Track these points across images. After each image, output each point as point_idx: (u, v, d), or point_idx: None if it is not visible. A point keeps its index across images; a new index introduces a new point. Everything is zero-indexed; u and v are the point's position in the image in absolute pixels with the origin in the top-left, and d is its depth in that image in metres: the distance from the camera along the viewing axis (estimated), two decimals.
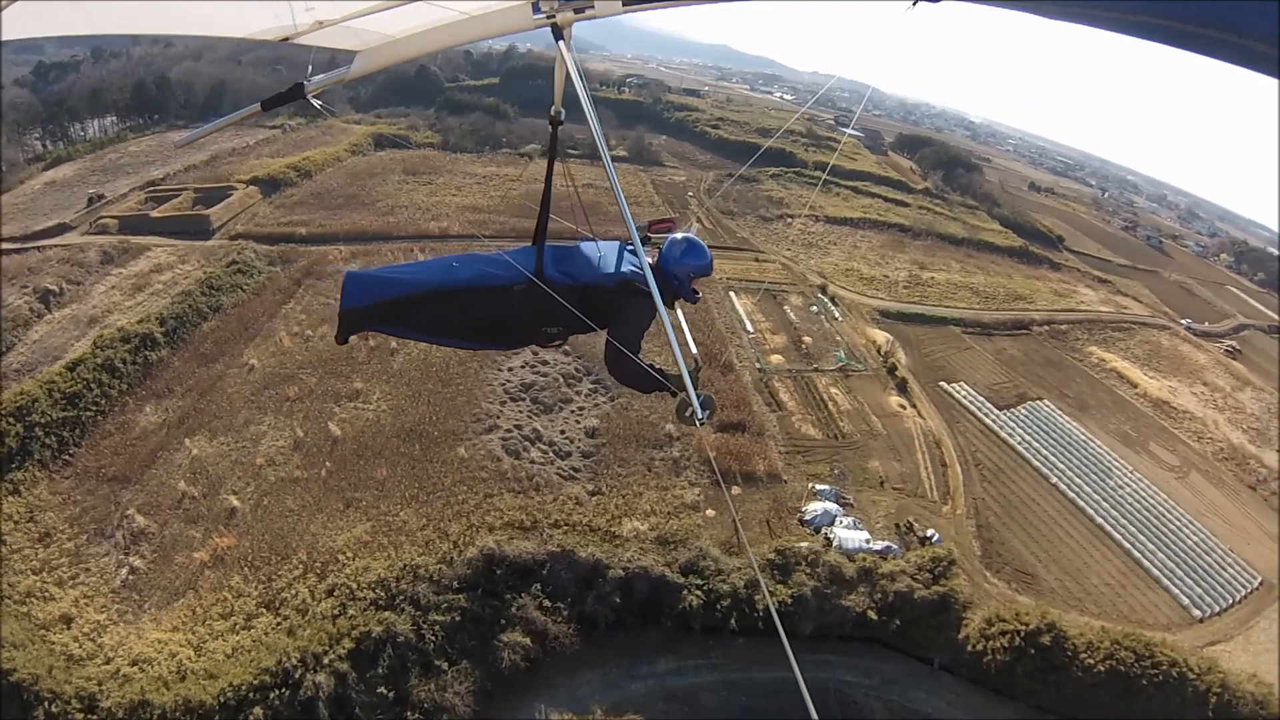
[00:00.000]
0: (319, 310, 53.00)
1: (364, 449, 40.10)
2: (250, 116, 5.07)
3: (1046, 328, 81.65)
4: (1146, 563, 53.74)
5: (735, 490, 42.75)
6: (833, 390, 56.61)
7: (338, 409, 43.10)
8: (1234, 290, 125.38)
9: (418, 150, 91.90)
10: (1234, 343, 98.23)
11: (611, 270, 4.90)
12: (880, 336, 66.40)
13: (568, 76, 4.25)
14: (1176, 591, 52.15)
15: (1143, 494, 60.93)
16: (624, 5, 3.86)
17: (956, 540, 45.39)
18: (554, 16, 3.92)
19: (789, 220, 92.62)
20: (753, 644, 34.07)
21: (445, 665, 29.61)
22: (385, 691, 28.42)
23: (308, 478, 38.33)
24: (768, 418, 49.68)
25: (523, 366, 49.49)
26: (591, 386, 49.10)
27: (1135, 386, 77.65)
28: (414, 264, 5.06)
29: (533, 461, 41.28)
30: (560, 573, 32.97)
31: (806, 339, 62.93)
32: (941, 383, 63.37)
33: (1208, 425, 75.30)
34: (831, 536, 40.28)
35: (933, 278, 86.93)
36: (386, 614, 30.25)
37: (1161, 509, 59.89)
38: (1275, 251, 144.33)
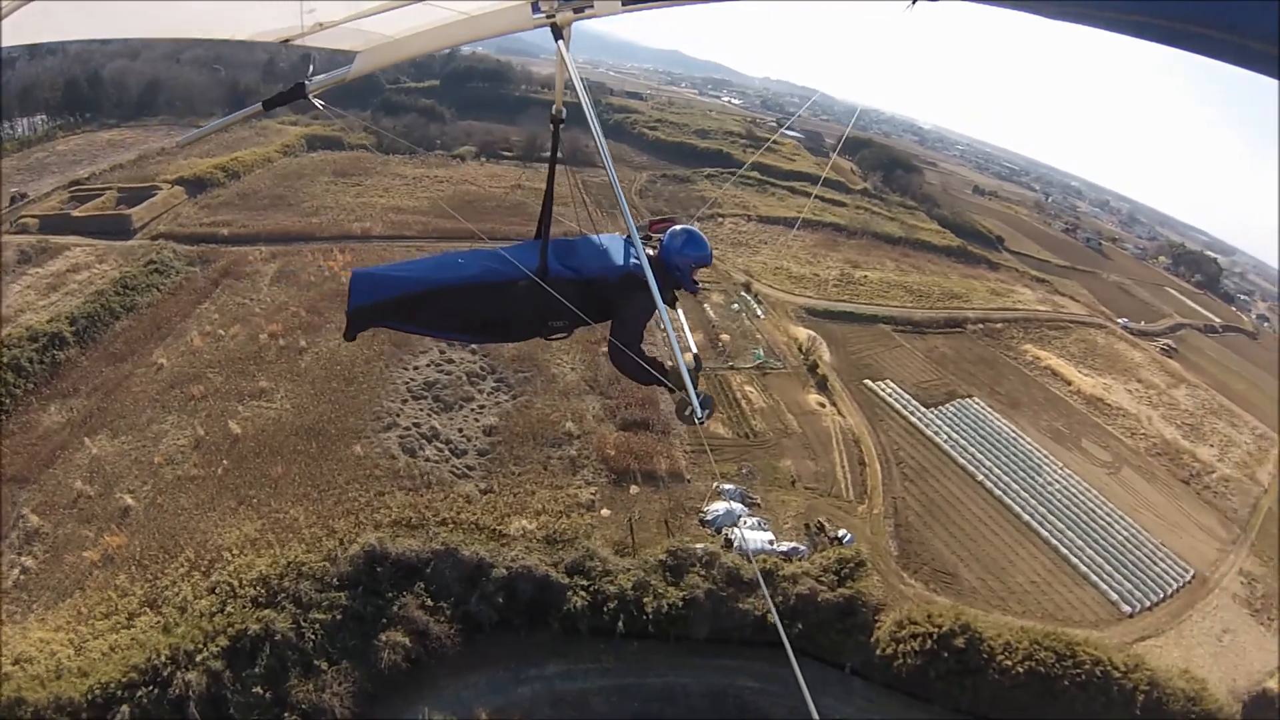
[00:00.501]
0: (234, 310, 52.06)
1: (262, 447, 39.33)
2: (251, 116, 5.39)
3: (981, 326, 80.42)
4: (1075, 559, 51.21)
5: (634, 489, 41.29)
6: (747, 388, 55.02)
7: (241, 408, 42.32)
8: (1171, 291, 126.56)
9: (350, 152, 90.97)
10: (1170, 341, 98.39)
11: (615, 264, 4.87)
12: (803, 334, 64.98)
13: (568, 77, 4.25)
14: (1105, 587, 49.61)
15: (1073, 490, 58.68)
16: (623, 5, 3.84)
17: (872, 540, 43.76)
18: (553, 16, 3.88)
19: (720, 219, 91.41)
20: (646, 648, 32.86)
21: (325, 665, 28.49)
22: (262, 691, 27.21)
23: (204, 476, 37.49)
24: (667, 414, 46.73)
25: (428, 365, 48.37)
26: (494, 385, 48.11)
27: (1069, 384, 76.13)
28: (419, 260, 5.08)
29: (427, 459, 40.21)
30: (444, 571, 31.81)
31: (724, 337, 61.53)
32: (867, 380, 61.56)
33: (1141, 421, 73.93)
34: (732, 537, 38.13)
35: (865, 276, 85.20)
36: (266, 612, 29.11)
37: (1092, 505, 57.63)
38: (1213, 255, 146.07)
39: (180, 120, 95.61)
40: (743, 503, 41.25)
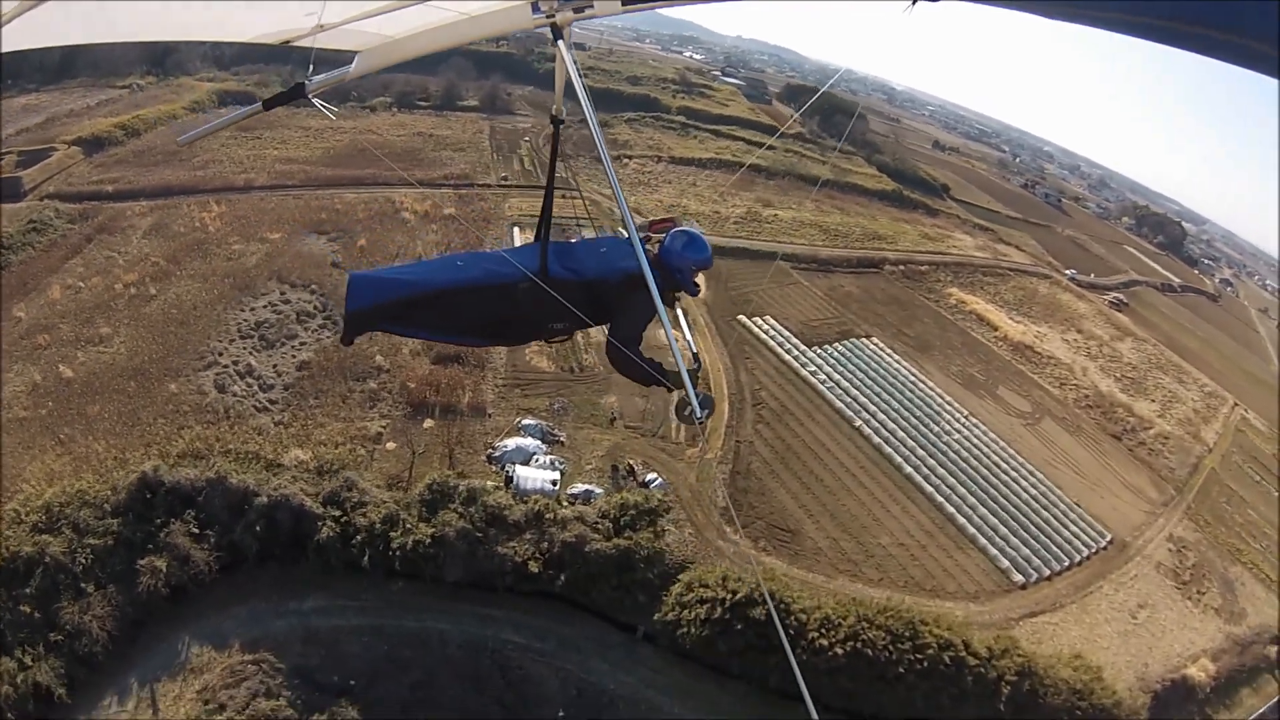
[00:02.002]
0: (100, 263, 50.63)
1: (87, 388, 38.68)
2: (253, 115, 4.92)
3: (901, 268, 71.96)
4: (961, 519, 41.67)
5: (428, 423, 37.93)
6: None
7: (79, 353, 41.18)
8: (1131, 250, 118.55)
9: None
10: (1121, 295, 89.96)
11: (615, 266, 4.78)
12: None
13: (568, 76, 4.20)
14: (995, 552, 40.38)
15: (974, 441, 49.19)
16: (623, 5, 3.81)
17: (695, 488, 37.86)
18: (553, 16, 3.83)
19: (626, 160, 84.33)
20: (410, 589, 30.38)
21: (91, 588, 27.96)
22: (30, 611, 27.00)
23: (30, 418, 36.48)
24: (495, 350, 42.70)
25: (265, 306, 46.33)
26: (322, 323, 45.38)
27: (995, 329, 67.05)
28: (419, 264, 5.51)
29: (235, 394, 39.00)
30: (214, 500, 30.78)
31: None
32: (741, 317, 53.48)
33: (1074, 371, 64.91)
34: (512, 474, 34.32)
35: (775, 215, 76.02)
36: (44, 537, 28.59)
37: (996, 459, 48.25)
38: (1179, 219, 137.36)
39: (99, 81, 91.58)
40: (543, 440, 37.15)
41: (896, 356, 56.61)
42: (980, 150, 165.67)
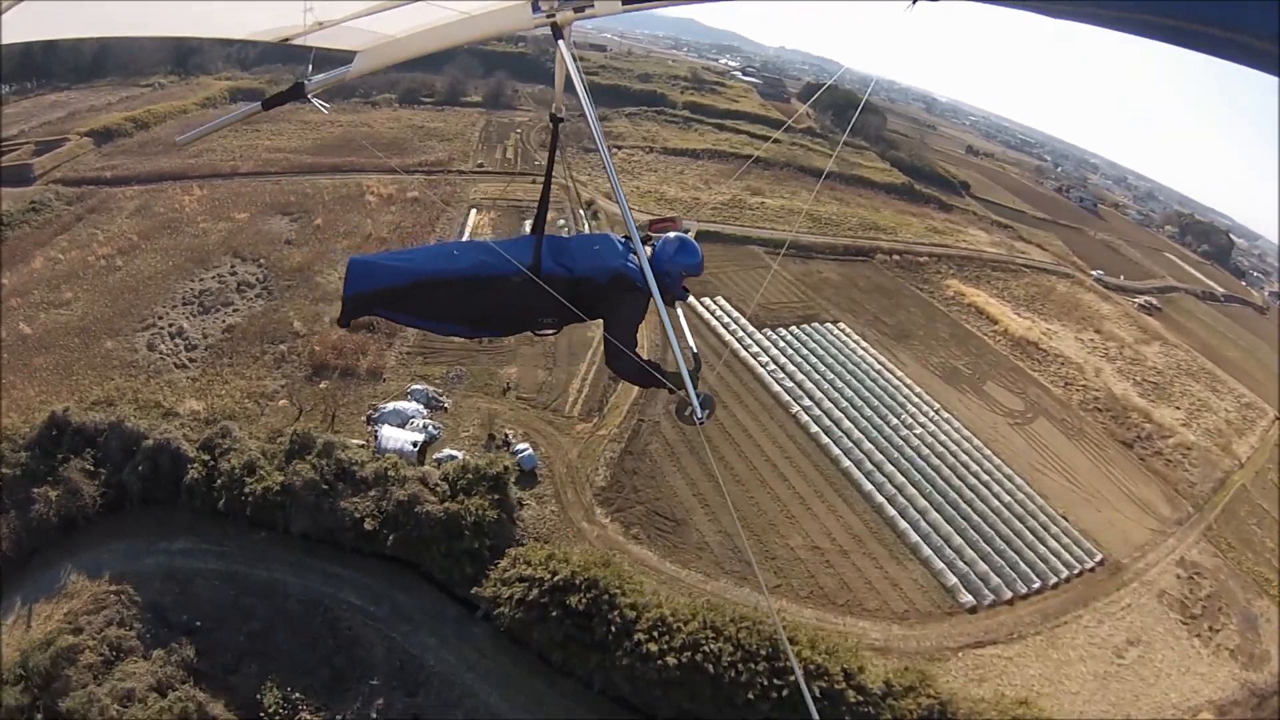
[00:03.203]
0: (83, 239, 53.27)
1: (40, 344, 40.91)
2: (252, 115, 5.02)
3: (896, 257, 65.06)
4: (904, 524, 34.98)
5: (324, 385, 37.72)
6: None
7: (42, 315, 43.67)
8: (1172, 258, 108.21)
9: None
10: (1154, 300, 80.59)
11: (604, 264, 4.69)
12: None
13: (568, 75, 4.23)
14: (941, 566, 33.50)
15: (941, 439, 42.29)
16: (623, 5, 3.80)
17: (573, 464, 34.61)
18: (554, 16, 3.83)
19: (615, 150, 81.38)
20: (270, 540, 30.00)
21: None
22: None
23: None
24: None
25: (213, 277, 47.66)
26: (258, 293, 46.29)
27: (995, 323, 59.70)
28: (415, 250, 4.91)
29: (161, 353, 40.48)
30: (111, 442, 32.00)
31: None
32: (691, 299, 44.56)
33: (1085, 371, 57.04)
34: (377, 433, 33.89)
35: (763, 203, 70.82)
36: None
37: (965, 458, 41.12)
38: (1227, 231, 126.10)
39: (126, 80, 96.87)
40: (426, 405, 36.21)
41: (865, 344, 49.89)
42: (1018, 158, 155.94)
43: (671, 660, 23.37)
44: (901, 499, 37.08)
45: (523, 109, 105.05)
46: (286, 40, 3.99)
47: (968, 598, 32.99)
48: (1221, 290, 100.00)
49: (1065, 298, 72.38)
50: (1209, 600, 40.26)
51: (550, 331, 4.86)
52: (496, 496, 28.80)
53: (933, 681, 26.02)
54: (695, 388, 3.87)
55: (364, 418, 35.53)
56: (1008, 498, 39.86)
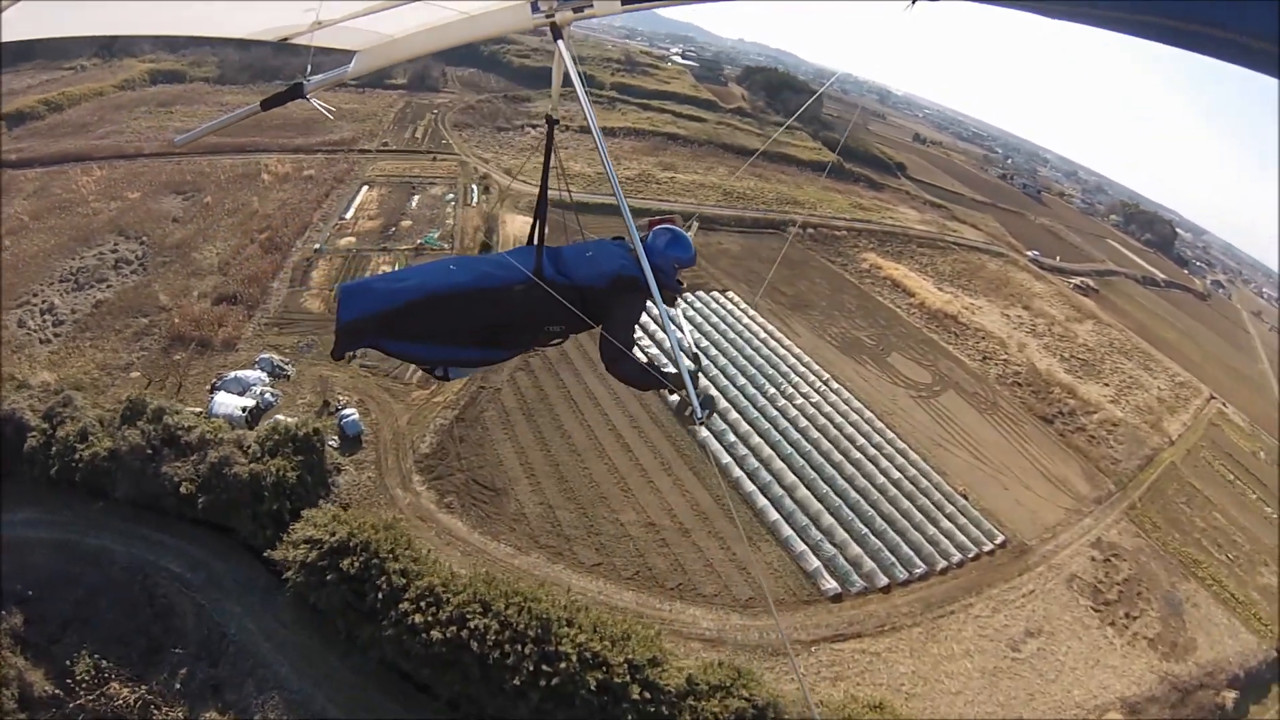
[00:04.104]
0: None
1: None
2: (251, 116, 4.84)
3: (811, 230, 59.74)
4: (764, 501, 29.46)
5: (179, 356, 36.14)
6: (384, 268, 44.68)
7: None
8: (1114, 244, 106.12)
9: (189, 84, 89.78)
10: (1090, 281, 77.24)
11: (602, 270, 4.58)
12: (514, 225, 52.06)
13: (566, 75, 4.18)
14: (803, 548, 28.18)
15: (828, 410, 36.91)
16: (623, 5, 3.77)
17: (399, 429, 32.43)
18: (553, 16, 3.78)
19: (527, 129, 79.43)
20: (107, 509, 28.07)
21: None
22: None
23: None
24: (277, 293, 42.10)
25: (94, 255, 45.75)
26: (134, 270, 44.36)
27: (912, 296, 54.80)
28: (410, 269, 4.73)
29: (29, 329, 38.82)
30: None
31: (406, 223, 52.40)
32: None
33: (1008, 346, 52.74)
34: (211, 399, 32.38)
35: (672, 178, 66.92)
36: None
37: (851, 430, 35.95)
38: (1170, 223, 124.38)
39: (52, 63, 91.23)
40: (271, 373, 34.99)
41: (753, 313, 44.98)
42: (967, 148, 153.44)
43: (437, 635, 20.68)
44: (766, 474, 31.97)
45: (447, 91, 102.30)
46: (286, 39, 3.98)
47: (831, 584, 27.84)
48: (1163, 276, 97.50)
49: (995, 275, 68.42)
50: (1127, 585, 35.59)
51: (557, 341, 4.64)
52: (301, 458, 27.02)
53: (751, 681, 21.07)
54: (695, 388, 3.77)
55: (208, 387, 33.89)
56: (897, 474, 34.90)
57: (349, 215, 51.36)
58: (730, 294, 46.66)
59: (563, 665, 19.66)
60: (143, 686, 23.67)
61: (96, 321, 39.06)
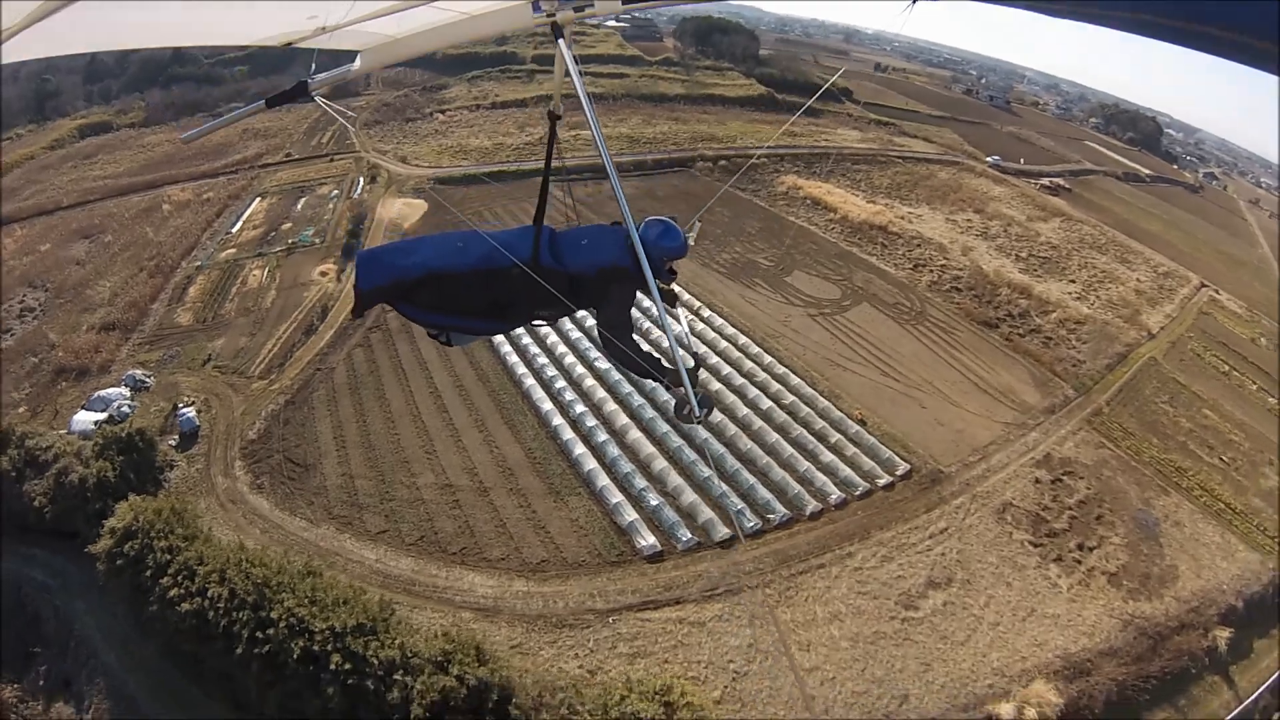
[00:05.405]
0: None
1: None
2: (255, 113, 4.71)
3: (723, 162, 52.94)
4: (581, 449, 23.47)
5: (61, 385, 35.44)
6: (256, 273, 44.49)
7: None
8: (1094, 145, 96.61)
9: (115, 132, 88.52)
10: (1061, 181, 69.17)
11: (594, 259, 4.56)
12: (392, 209, 50.60)
13: (566, 73, 4.14)
14: (619, 499, 22.06)
15: (693, 342, 29.83)
16: (623, 4, 3.88)
17: (234, 420, 30.81)
18: (554, 15, 3.81)
19: (436, 115, 76.30)
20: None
21: None
22: None
23: None
24: (155, 313, 40.73)
25: (4, 311, 44.61)
26: (39, 314, 43.53)
27: (833, 212, 47.33)
28: (420, 240, 4.77)
29: None
30: None
31: (287, 226, 51.23)
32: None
33: (948, 250, 45.24)
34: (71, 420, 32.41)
35: (576, 135, 59.19)
36: None
37: (719, 360, 29.22)
38: (1156, 118, 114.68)
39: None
40: (133, 388, 34.67)
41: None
42: (935, 72, 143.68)
43: (187, 607, 20.20)
44: (592, 420, 25.25)
45: (367, 94, 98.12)
46: (290, 44, 3.92)
47: (648, 541, 21.39)
48: (1148, 172, 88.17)
49: (945, 183, 60.96)
50: (1082, 508, 28.43)
51: (543, 323, 4.97)
52: (123, 458, 26.96)
53: (468, 657, 17.98)
54: (695, 387, 3.77)
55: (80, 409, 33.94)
56: (768, 404, 28.03)
57: (236, 229, 51.12)
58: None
59: (271, 632, 18.56)
60: (17, 687, 24.32)
61: None
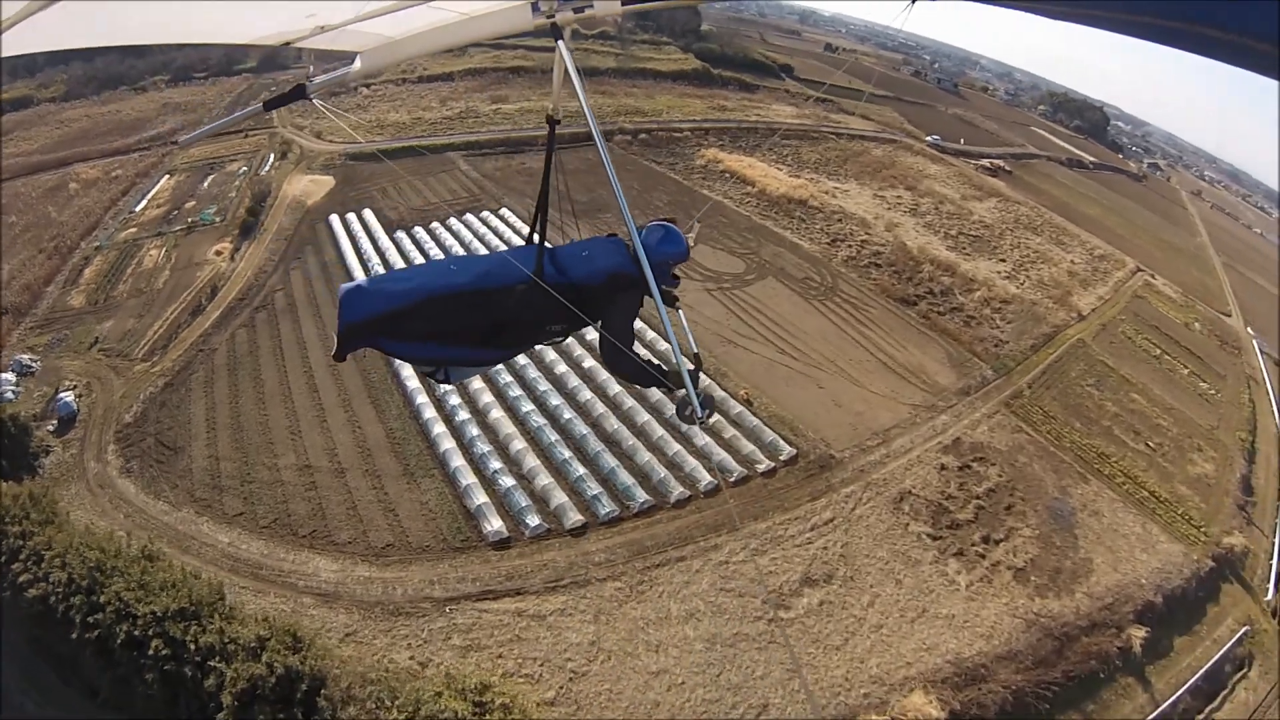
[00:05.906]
0: None
1: None
2: (252, 116, 6.14)
3: (643, 136, 49.83)
4: (440, 429, 20.41)
5: None
6: (153, 253, 42.13)
7: None
8: (1039, 131, 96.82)
9: (36, 107, 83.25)
10: (1002, 163, 68.04)
11: (598, 268, 4.27)
12: (297, 186, 47.90)
13: (566, 76, 4.02)
14: (471, 481, 19.31)
15: None
16: (623, 4, 3.66)
17: (111, 404, 29.21)
18: (553, 16, 3.63)
19: (359, 89, 73.00)
20: None
21: None
22: None
23: None
24: (50, 295, 38.52)
25: None
26: None
27: (751, 185, 44.52)
28: (410, 270, 4.50)
29: None
30: None
31: (190, 204, 49.02)
32: (334, 215, 41.89)
33: (871, 226, 42.61)
34: None
35: (498, 109, 59.06)
36: None
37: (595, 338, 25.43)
38: (1104, 108, 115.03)
39: None
40: (19, 373, 33.80)
41: (521, 225, 35.56)
42: (886, 55, 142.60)
43: (34, 592, 19.14)
44: (456, 398, 22.19)
45: (298, 67, 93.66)
46: (289, 44, 3.91)
47: (496, 526, 18.47)
48: (1091, 159, 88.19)
49: (878, 160, 58.99)
50: (991, 498, 26.02)
51: (558, 338, 4.39)
52: None
53: (281, 645, 16.80)
54: (696, 388, 3.60)
55: None
56: (639, 385, 24.60)
57: (139, 207, 49.05)
58: (504, 210, 38.71)
59: (100, 616, 17.85)
60: None
61: None
